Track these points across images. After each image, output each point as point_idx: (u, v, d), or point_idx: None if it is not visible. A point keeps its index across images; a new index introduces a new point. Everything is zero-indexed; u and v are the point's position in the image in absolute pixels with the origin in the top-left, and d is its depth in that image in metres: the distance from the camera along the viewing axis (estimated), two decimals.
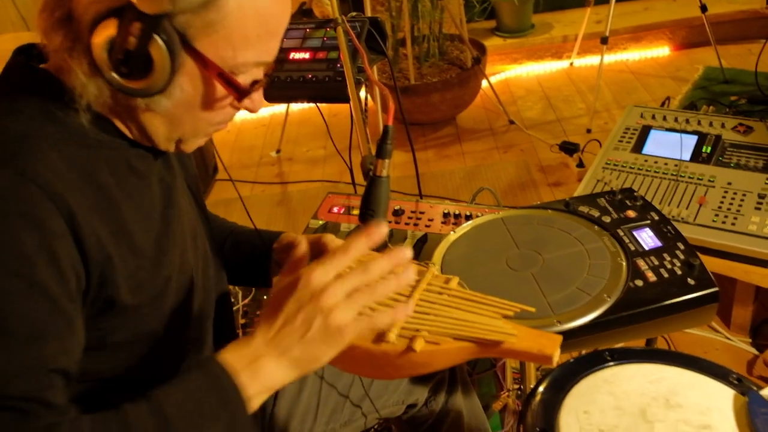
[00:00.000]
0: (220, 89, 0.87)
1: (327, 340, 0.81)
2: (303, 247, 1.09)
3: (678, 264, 1.23)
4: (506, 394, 1.68)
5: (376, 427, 1.61)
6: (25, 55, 0.88)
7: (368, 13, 2.66)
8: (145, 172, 0.95)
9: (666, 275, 1.21)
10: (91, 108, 0.85)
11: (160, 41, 0.79)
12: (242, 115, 3.87)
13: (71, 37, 0.82)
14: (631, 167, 2.14)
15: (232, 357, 0.82)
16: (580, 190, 2.10)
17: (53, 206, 0.78)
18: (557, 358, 0.91)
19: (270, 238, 1.23)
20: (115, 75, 0.82)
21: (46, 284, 0.77)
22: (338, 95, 1.60)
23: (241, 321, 1.76)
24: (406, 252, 0.87)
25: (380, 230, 0.86)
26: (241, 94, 0.88)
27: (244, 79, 0.89)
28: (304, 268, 0.83)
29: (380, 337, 0.91)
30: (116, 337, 0.88)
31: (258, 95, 0.93)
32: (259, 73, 0.92)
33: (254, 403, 0.83)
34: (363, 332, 0.86)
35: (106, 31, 0.79)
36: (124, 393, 0.83)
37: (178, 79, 0.84)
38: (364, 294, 0.83)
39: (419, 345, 0.89)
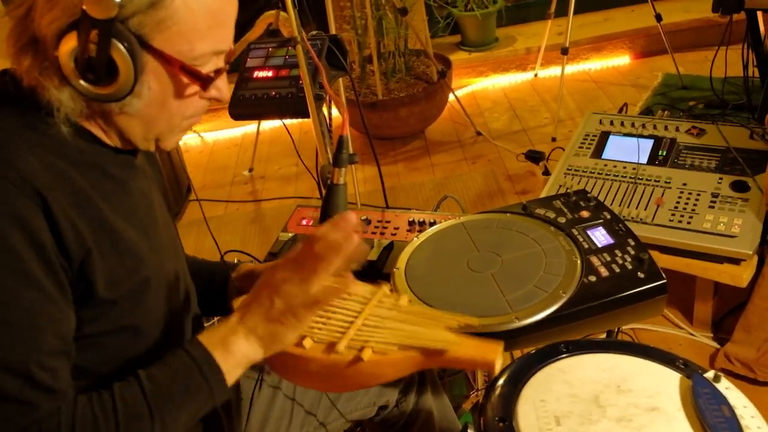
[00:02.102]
0: (185, 81, 0.93)
1: (284, 320, 0.93)
2: None
3: (629, 259, 1.29)
4: (476, 394, 1.73)
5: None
6: (2, 77, 0.93)
7: (333, 30, 2.73)
8: (122, 178, 1.00)
9: (617, 270, 1.27)
10: (70, 119, 0.90)
11: (119, 44, 0.85)
12: (215, 135, 3.92)
13: (39, 57, 0.88)
14: (591, 172, 2.21)
15: (207, 336, 0.94)
16: (543, 195, 2.16)
17: (32, 203, 0.83)
18: (499, 364, 0.98)
19: (228, 268, 1.29)
20: (83, 83, 0.88)
21: (36, 275, 0.83)
22: (301, 111, 1.66)
23: None
24: (350, 216, 0.96)
25: (347, 218, 0.95)
26: (204, 82, 0.94)
27: (206, 70, 0.95)
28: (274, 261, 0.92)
29: (330, 348, 0.98)
30: (92, 329, 0.92)
31: (223, 83, 0.99)
32: (219, 62, 0.98)
33: (230, 377, 0.94)
34: (315, 343, 0.98)
35: (69, 44, 0.85)
36: (100, 384, 0.90)
37: (145, 79, 0.90)
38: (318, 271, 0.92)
39: (367, 354, 0.96)
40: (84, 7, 0.83)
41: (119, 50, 0.85)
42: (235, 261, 2.27)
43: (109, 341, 0.96)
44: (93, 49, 0.85)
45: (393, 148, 3.47)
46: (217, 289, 1.26)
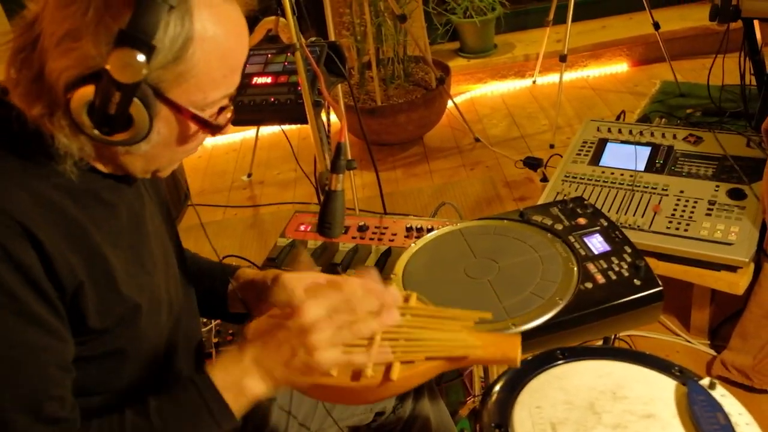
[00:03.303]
0: (193, 127, 0.93)
1: (305, 371, 0.93)
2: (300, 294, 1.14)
3: (625, 266, 1.30)
4: (473, 400, 1.73)
5: None
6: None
7: (332, 37, 2.73)
8: (113, 202, 0.99)
9: (614, 277, 1.28)
10: (77, 164, 0.89)
11: (137, 101, 0.84)
12: (213, 141, 3.92)
13: (47, 101, 0.86)
14: (589, 179, 2.22)
15: (222, 375, 0.93)
16: (541, 202, 2.17)
17: (23, 241, 0.83)
18: (519, 357, 0.99)
19: (228, 273, 1.28)
20: (96, 132, 0.86)
21: (35, 310, 0.84)
22: (299, 117, 1.66)
23: (214, 340, 1.80)
24: (395, 293, 0.97)
25: (372, 276, 0.97)
26: (213, 129, 0.94)
27: (211, 110, 0.94)
28: (299, 301, 0.92)
29: (357, 373, 0.97)
30: (83, 352, 0.93)
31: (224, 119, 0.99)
32: (224, 101, 0.97)
33: (239, 414, 0.94)
34: (340, 369, 0.96)
35: (84, 95, 0.83)
36: (89, 401, 0.91)
37: (155, 125, 0.89)
38: (347, 333, 0.93)
39: (396, 374, 0.96)
40: (107, 67, 0.81)
41: (137, 104, 0.84)
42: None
43: (97, 363, 0.96)
44: (112, 107, 0.83)
45: (391, 154, 3.48)
46: (217, 292, 1.26)
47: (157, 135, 0.90)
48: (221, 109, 0.97)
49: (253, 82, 1.78)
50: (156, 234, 1.11)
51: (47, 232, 0.85)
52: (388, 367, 0.97)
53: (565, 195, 2.16)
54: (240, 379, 0.93)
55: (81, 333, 0.91)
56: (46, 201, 0.87)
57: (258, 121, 1.96)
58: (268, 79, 1.78)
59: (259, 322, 1.08)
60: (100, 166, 0.96)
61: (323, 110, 1.74)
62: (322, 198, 1.31)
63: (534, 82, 3.97)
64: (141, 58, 0.81)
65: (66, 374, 0.90)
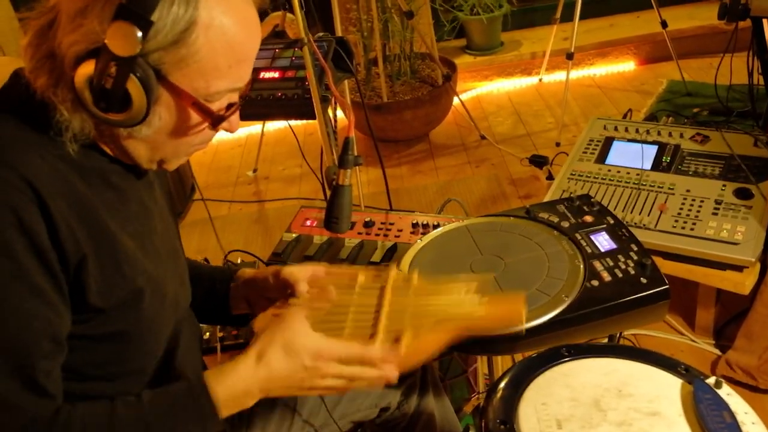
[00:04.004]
0: (195, 116, 0.93)
1: (304, 395, 1.04)
2: (303, 285, 1.16)
3: (631, 264, 1.30)
4: (477, 396, 1.73)
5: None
6: (15, 78, 0.93)
7: (339, 33, 2.73)
8: (123, 188, 1.00)
9: (620, 275, 1.28)
10: (76, 138, 0.90)
11: (135, 79, 0.85)
12: (219, 136, 3.86)
13: (55, 75, 0.88)
14: (595, 177, 2.21)
15: (223, 390, 0.94)
16: (547, 200, 2.17)
17: (32, 206, 0.84)
18: (524, 313, 1.05)
19: (228, 275, 1.28)
20: (96, 109, 0.87)
21: (36, 280, 0.84)
22: (306, 112, 1.66)
23: (219, 334, 1.80)
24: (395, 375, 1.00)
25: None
26: (214, 120, 0.94)
27: (219, 104, 0.95)
28: (322, 340, 0.97)
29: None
30: (80, 331, 0.93)
31: (234, 117, 0.99)
32: (234, 97, 0.97)
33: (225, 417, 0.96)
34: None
35: (86, 70, 0.85)
36: (86, 385, 0.93)
37: (156, 109, 0.90)
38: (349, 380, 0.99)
39: (405, 344, 0.97)
40: (106, 41, 0.83)
41: (135, 84, 0.85)
42: (239, 261, 2.28)
43: (97, 345, 0.96)
44: (109, 81, 0.85)
45: (397, 150, 3.48)
46: (218, 294, 1.26)
47: (158, 120, 0.91)
48: (230, 106, 0.96)
49: (261, 76, 1.78)
50: (164, 233, 1.11)
51: (56, 201, 0.86)
52: (398, 342, 0.98)
53: (571, 193, 2.16)
54: (241, 397, 0.95)
55: (81, 310, 0.91)
56: (56, 171, 0.89)
57: (265, 116, 1.97)
58: (276, 74, 1.78)
59: (265, 317, 1.09)
60: (107, 149, 0.96)
61: (330, 106, 1.74)
62: (328, 193, 1.31)
63: (540, 79, 3.97)
64: (137, 32, 0.82)
65: (57, 349, 0.89)
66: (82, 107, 0.88)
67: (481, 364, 1.84)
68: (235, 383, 0.94)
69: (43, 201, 0.85)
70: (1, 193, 0.82)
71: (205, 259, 2.58)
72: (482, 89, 4.00)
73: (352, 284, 1.14)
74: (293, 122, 3.20)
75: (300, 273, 1.17)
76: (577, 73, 3.92)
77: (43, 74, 0.88)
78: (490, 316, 1.03)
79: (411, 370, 1.05)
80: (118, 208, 0.98)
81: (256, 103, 1.75)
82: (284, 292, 1.18)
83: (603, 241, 1.37)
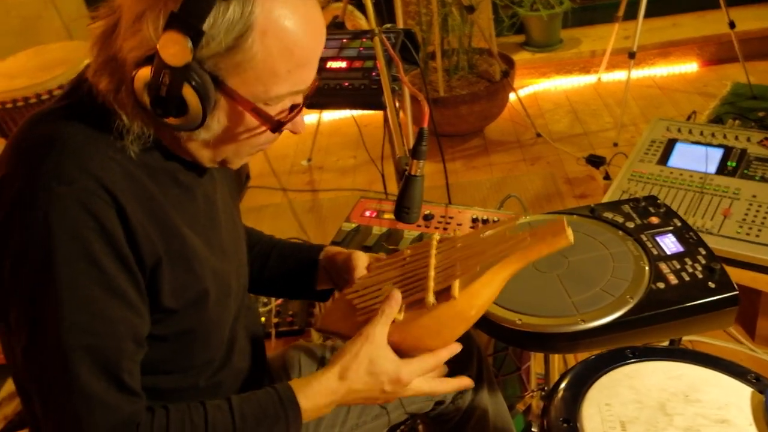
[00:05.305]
0: (253, 120, 0.92)
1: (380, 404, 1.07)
2: (361, 270, 1.20)
3: (699, 268, 1.27)
4: (530, 395, 1.72)
5: (404, 427, 1.65)
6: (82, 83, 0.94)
7: (400, 25, 2.73)
8: (189, 184, 1.01)
9: (687, 278, 1.25)
10: (138, 140, 0.91)
11: (190, 86, 0.84)
12: None
13: (116, 79, 0.89)
14: (656, 179, 2.17)
15: (306, 402, 0.99)
16: (606, 200, 2.13)
17: (111, 211, 0.85)
18: (570, 234, 1.01)
19: (315, 250, 1.30)
20: (154, 114, 0.87)
21: (119, 284, 0.87)
22: (373, 102, 1.67)
23: (275, 320, 1.83)
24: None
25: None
26: (273, 126, 0.93)
27: (281, 106, 0.94)
28: (402, 366, 1.02)
29: (421, 306, 1.02)
30: (156, 331, 0.95)
31: (299, 119, 0.98)
32: (297, 99, 0.96)
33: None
34: (405, 312, 1.04)
35: (144, 76, 0.85)
36: (153, 382, 0.95)
37: (215, 114, 0.89)
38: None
39: (456, 290, 0.99)
40: (158, 49, 0.82)
41: (190, 90, 0.84)
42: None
43: (166, 343, 0.99)
44: (164, 89, 0.84)
45: (452, 145, 3.47)
46: (305, 269, 1.28)
47: (217, 124, 0.90)
48: (293, 108, 0.95)
49: (327, 66, 1.79)
50: (227, 221, 1.12)
51: (132, 205, 0.88)
52: (451, 289, 1.01)
53: (631, 194, 2.12)
54: (322, 408, 1.01)
55: (154, 310, 0.94)
56: (127, 173, 0.90)
57: (330, 105, 1.97)
58: (343, 64, 1.79)
59: (327, 317, 1.13)
60: (171, 148, 0.97)
61: (396, 98, 1.74)
62: (389, 184, 1.31)
63: (599, 78, 3.91)
64: (188, 42, 0.81)
65: (139, 349, 0.92)
66: (141, 111, 0.88)
67: (534, 362, 1.83)
68: (317, 397, 0.99)
69: (121, 205, 0.86)
70: (82, 200, 0.84)
71: None
72: (539, 86, 3.96)
73: (401, 261, 1.15)
74: (347, 113, 3.21)
75: (360, 260, 1.20)
76: (638, 73, 3.84)
77: (105, 77, 0.89)
78: (536, 240, 1.02)
79: (480, 316, 1.05)
80: (186, 206, 0.99)
81: (322, 92, 1.76)
82: (346, 275, 1.20)
83: (669, 244, 1.35)
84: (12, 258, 0.84)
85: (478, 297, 1.02)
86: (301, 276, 1.28)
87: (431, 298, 1.01)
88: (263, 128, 0.94)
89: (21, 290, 0.85)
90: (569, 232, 1.01)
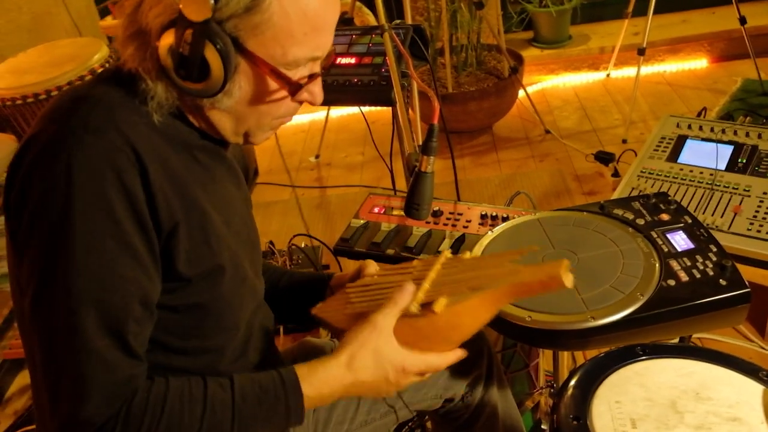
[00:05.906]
0: (274, 84, 0.95)
1: (381, 395, 1.07)
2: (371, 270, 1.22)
3: (710, 265, 1.27)
4: (539, 392, 1.72)
5: (411, 424, 1.65)
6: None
7: (409, 21, 2.73)
8: (209, 165, 1.02)
9: (698, 276, 1.25)
10: (162, 108, 0.93)
11: (212, 45, 0.87)
12: None
13: (142, 47, 0.92)
14: (666, 175, 2.16)
15: (310, 388, 0.98)
16: (616, 196, 2.13)
17: (134, 169, 0.87)
18: (568, 279, 0.98)
19: (326, 276, 1.32)
20: (177, 78, 0.90)
21: (134, 242, 0.87)
22: (383, 98, 1.67)
23: None
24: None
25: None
26: (293, 88, 0.95)
27: (300, 73, 0.96)
28: (408, 356, 1.02)
29: (405, 313, 1.02)
30: (165, 300, 0.95)
31: (317, 87, 1.00)
32: (315, 67, 0.98)
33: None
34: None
35: (168, 40, 0.88)
36: (162, 353, 0.96)
37: (236, 78, 0.92)
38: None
39: (439, 306, 0.99)
40: (180, 6, 0.86)
41: (212, 51, 0.87)
42: (302, 245, 2.30)
43: (178, 315, 0.99)
44: (187, 48, 0.88)
45: (460, 141, 3.46)
46: (316, 290, 1.29)
47: (238, 89, 0.93)
48: (311, 76, 0.97)
49: (337, 61, 1.79)
50: (244, 219, 1.13)
51: (155, 168, 0.89)
52: (434, 303, 1.00)
53: (640, 191, 2.11)
54: (325, 398, 1.00)
55: (167, 278, 0.94)
56: (152, 138, 0.92)
57: (339, 101, 1.97)
58: (352, 60, 1.78)
59: (325, 305, 1.15)
60: (194, 121, 0.99)
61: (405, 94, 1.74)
62: (397, 180, 1.30)
63: (608, 75, 3.89)
64: None
65: (146, 314, 0.92)
66: (164, 76, 0.91)
67: (542, 359, 1.82)
68: (322, 384, 0.98)
69: (144, 166, 0.87)
70: (107, 154, 0.85)
71: (270, 243, 2.62)
72: (548, 83, 3.95)
73: (408, 270, 1.16)
74: (356, 110, 3.21)
75: (371, 266, 1.22)
76: (647, 70, 3.83)
77: (131, 46, 0.92)
78: (530, 278, 1.00)
79: (464, 339, 1.05)
80: (206, 183, 1.00)
81: (332, 89, 1.76)
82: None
83: (680, 240, 1.34)
84: (31, 207, 0.85)
85: (459, 320, 1.02)
86: (311, 298, 1.28)
87: (414, 307, 1.02)
88: (283, 93, 0.96)
89: (37, 239, 0.85)
90: (569, 277, 0.98)
